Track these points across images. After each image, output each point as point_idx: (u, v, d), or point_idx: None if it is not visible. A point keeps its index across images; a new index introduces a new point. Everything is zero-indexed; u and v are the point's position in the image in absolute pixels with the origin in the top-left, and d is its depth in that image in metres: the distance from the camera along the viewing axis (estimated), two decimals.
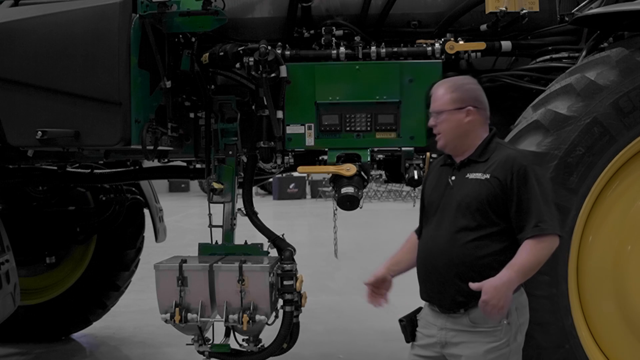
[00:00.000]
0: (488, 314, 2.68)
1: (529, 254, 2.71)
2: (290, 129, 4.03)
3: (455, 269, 2.80)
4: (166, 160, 4.71)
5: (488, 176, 2.81)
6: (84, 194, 6.00)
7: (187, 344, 4.13)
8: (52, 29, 3.79)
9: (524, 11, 3.80)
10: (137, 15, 3.80)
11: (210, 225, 4.40)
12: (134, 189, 6.02)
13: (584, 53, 3.74)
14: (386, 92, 3.96)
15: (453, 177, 2.92)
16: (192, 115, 4.35)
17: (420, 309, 3.07)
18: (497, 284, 2.66)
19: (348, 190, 3.86)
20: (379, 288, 3.09)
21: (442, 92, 2.93)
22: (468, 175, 2.87)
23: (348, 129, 3.99)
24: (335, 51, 4.03)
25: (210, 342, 4.09)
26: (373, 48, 4.01)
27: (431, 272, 2.90)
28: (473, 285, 2.69)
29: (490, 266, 2.75)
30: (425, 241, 2.99)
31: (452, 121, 2.89)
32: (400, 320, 3.09)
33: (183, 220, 16.73)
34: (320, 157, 4.14)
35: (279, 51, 3.98)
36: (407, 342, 3.08)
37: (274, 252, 4.17)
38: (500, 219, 2.79)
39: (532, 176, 2.77)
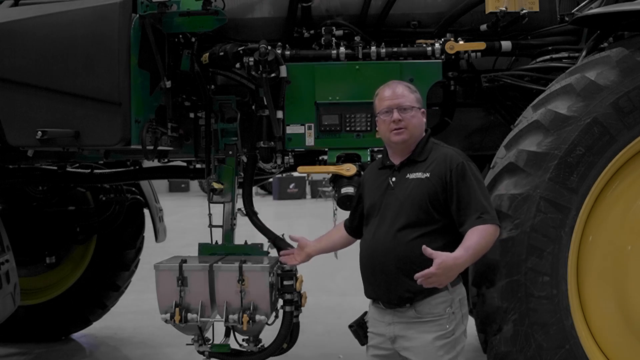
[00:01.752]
0: (426, 283, 2.74)
1: (480, 238, 2.82)
2: (290, 129, 4.03)
3: (401, 266, 2.89)
4: (166, 160, 4.71)
5: (428, 175, 2.94)
6: (84, 194, 6.00)
7: (187, 344, 4.13)
8: (52, 29, 3.79)
9: (524, 11, 3.80)
10: (137, 15, 3.80)
11: (210, 225, 4.40)
12: (134, 189, 6.02)
13: (584, 53, 3.73)
14: None
15: (394, 179, 3.04)
16: (192, 115, 4.35)
17: (365, 313, 3.17)
18: (447, 261, 2.73)
19: (348, 190, 3.86)
20: (297, 252, 3.55)
21: (404, 90, 3.08)
22: (408, 176, 3.00)
23: (348, 129, 3.99)
24: (335, 51, 4.03)
25: (210, 342, 4.09)
26: (373, 48, 4.01)
27: (377, 271, 2.99)
28: (426, 251, 2.73)
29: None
30: (367, 241, 3.08)
31: (419, 118, 3.08)
32: (350, 326, 3.21)
33: (183, 220, 16.72)
34: (320, 157, 4.14)
35: (279, 51, 3.98)
36: (362, 344, 3.18)
37: (274, 252, 4.17)
38: (442, 216, 2.92)
39: (469, 172, 2.92)
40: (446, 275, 2.74)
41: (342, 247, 3.55)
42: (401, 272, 2.89)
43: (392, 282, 2.93)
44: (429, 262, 2.79)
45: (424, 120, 3.12)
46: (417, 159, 3.03)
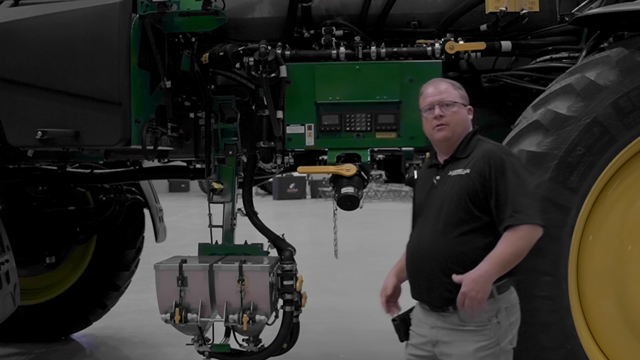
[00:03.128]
0: (467, 307, 2.69)
1: (506, 245, 2.74)
2: (290, 129, 4.03)
3: (441, 265, 2.83)
4: (166, 160, 4.71)
5: (468, 171, 2.87)
6: (84, 194, 6.00)
7: (187, 344, 4.13)
8: (52, 29, 3.79)
9: (524, 11, 3.80)
10: (137, 15, 3.80)
11: (210, 225, 4.40)
12: (134, 189, 6.02)
13: (584, 53, 3.73)
14: (386, 92, 3.96)
15: (438, 177, 2.99)
16: (192, 115, 4.35)
17: (413, 308, 3.09)
18: (474, 276, 2.69)
19: (348, 190, 3.85)
20: (391, 296, 3.14)
21: (448, 86, 3.00)
22: (450, 173, 2.93)
23: (348, 129, 3.99)
24: (335, 51, 4.03)
25: (210, 342, 4.09)
26: (373, 48, 4.01)
27: (419, 271, 2.94)
28: (455, 278, 2.72)
29: (475, 261, 2.77)
30: (412, 242, 3.04)
31: (462, 114, 2.99)
32: (394, 320, 3.13)
33: (183, 220, 16.73)
34: (320, 157, 4.14)
35: (279, 51, 3.98)
36: (401, 341, 3.11)
37: (274, 252, 4.17)
38: (483, 213, 2.83)
39: (509, 168, 2.82)
40: (477, 289, 2.67)
41: None
42: (441, 271, 2.82)
43: (432, 282, 2.86)
44: (467, 261, 2.76)
45: (470, 117, 3.02)
46: (459, 156, 2.95)
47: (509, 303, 2.86)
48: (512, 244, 2.74)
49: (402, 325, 3.08)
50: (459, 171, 2.89)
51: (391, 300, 3.15)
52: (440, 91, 2.98)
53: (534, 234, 2.78)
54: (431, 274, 2.87)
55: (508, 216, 2.74)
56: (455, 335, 2.84)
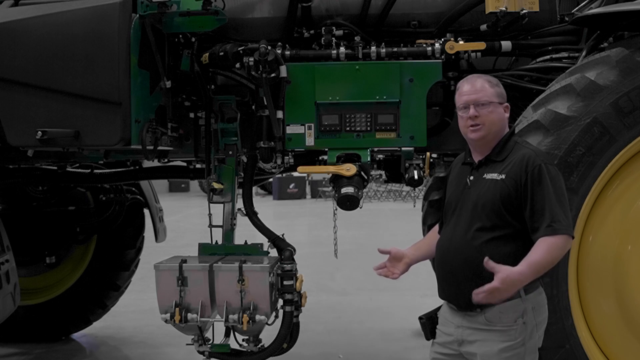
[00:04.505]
0: (486, 298, 2.65)
1: (544, 251, 2.68)
2: (290, 129, 4.03)
3: (472, 268, 2.79)
4: (166, 160, 4.71)
5: (504, 176, 2.81)
6: (84, 194, 6.00)
7: (187, 344, 4.13)
8: (52, 29, 3.79)
9: (524, 11, 3.80)
10: (137, 15, 3.80)
11: (210, 225, 4.40)
12: (134, 189, 6.02)
13: (584, 53, 3.74)
14: (386, 92, 3.96)
15: (471, 177, 2.93)
16: (192, 115, 4.35)
17: (440, 307, 3.09)
18: (512, 276, 2.63)
19: (348, 190, 3.85)
20: (392, 264, 3.12)
21: (484, 84, 2.92)
22: (485, 176, 2.87)
23: (348, 129, 3.99)
24: (335, 51, 4.03)
25: (210, 342, 4.09)
26: (373, 48, 4.01)
27: (448, 272, 2.92)
28: (488, 264, 2.64)
29: None
30: (442, 241, 3.00)
31: (498, 113, 2.91)
32: (420, 318, 3.12)
33: (183, 220, 16.72)
34: (320, 157, 4.14)
35: (279, 51, 3.98)
36: (427, 339, 3.10)
37: (274, 252, 4.17)
38: (515, 220, 2.79)
39: (546, 176, 2.75)
40: (508, 290, 2.65)
41: None
42: (471, 275, 2.79)
43: (461, 285, 2.83)
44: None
45: (507, 115, 2.94)
46: (495, 158, 2.88)
47: (536, 303, 2.84)
48: (550, 252, 2.69)
49: (429, 324, 3.08)
50: (494, 175, 2.84)
51: (390, 265, 3.11)
52: (477, 89, 2.90)
53: (568, 245, 2.75)
54: (461, 276, 2.85)
55: (546, 226, 2.70)
56: (481, 334, 2.83)
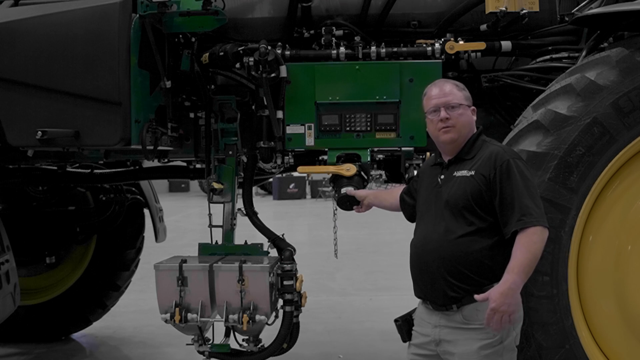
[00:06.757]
0: (496, 322, 2.69)
1: (524, 251, 2.73)
2: (290, 129, 4.03)
3: (446, 265, 2.84)
4: (166, 160, 4.71)
5: (473, 173, 2.88)
6: (84, 194, 6.00)
7: (187, 344, 4.14)
8: (52, 29, 3.79)
9: (524, 11, 3.80)
10: (137, 15, 3.80)
11: (210, 225, 4.40)
12: (134, 189, 6.02)
13: (584, 53, 3.73)
14: (386, 92, 3.96)
15: (442, 176, 3.00)
16: (192, 115, 4.35)
17: (415, 309, 3.10)
18: (502, 290, 2.69)
19: (348, 190, 3.85)
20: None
21: (452, 88, 3.00)
22: (455, 173, 2.94)
23: (348, 129, 3.99)
24: (335, 51, 4.03)
25: (210, 342, 4.09)
26: (373, 48, 4.01)
27: (423, 270, 2.95)
28: (478, 297, 2.72)
29: (479, 261, 2.80)
30: (416, 240, 3.04)
31: (467, 116, 3.00)
32: (396, 321, 3.15)
33: (183, 220, 16.73)
34: (320, 157, 4.14)
35: (279, 51, 3.98)
36: (404, 341, 3.13)
37: (274, 252, 4.17)
38: (488, 215, 2.85)
39: (514, 170, 2.82)
40: (507, 302, 2.68)
41: (391, 209, 3.56)
42: (446, 271, 2.84)
43: (437, 282, 2.87)
44: (472, 261, 2.78)
45: (474, 118, 3.04)
46: (464, 157, 2.96)
47: None
48: (528, 249, 2.73)
49: (405, 326, 3.10)
50: (464, 172, 2.90)
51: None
52: (445, 93, 2.98)
53: (544, 236, 2.79)
54: (435, 273, 2.88)
55: (516, 220, 2.75)
56: (458, 333, 2.85)
